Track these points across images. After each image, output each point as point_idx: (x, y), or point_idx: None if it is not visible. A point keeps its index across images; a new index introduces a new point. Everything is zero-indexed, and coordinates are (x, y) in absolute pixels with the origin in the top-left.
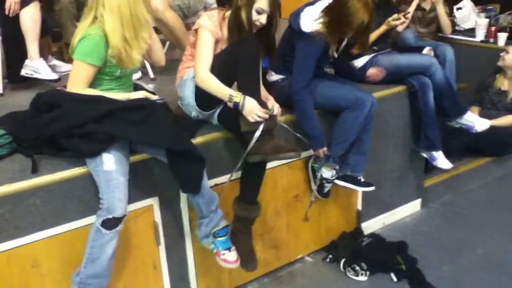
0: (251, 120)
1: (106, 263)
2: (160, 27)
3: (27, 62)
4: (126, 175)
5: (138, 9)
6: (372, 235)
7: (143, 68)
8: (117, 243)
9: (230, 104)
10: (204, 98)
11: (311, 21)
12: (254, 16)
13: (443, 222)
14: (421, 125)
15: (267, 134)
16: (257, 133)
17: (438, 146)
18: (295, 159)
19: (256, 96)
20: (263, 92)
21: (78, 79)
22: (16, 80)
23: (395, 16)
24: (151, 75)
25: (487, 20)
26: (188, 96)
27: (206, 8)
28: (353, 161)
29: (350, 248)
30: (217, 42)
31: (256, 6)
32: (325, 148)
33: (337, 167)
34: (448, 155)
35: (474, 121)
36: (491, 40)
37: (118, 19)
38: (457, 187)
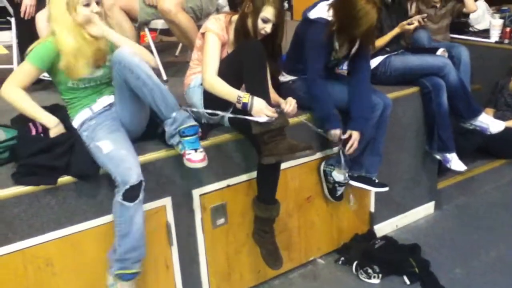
0: (262, 120)
1: (138, 234)
2: (173, 29)
3: None
4: (128, 147)
5: (68, 20)
6: (385, 237)
7: (155, 70)
8: (143, 214)
9: (238, 105)
10: (212, 104)
11: (320, 10)
12: (260, 24)
13: (456, 225)
14: (434, 126)
15: (279, 134)
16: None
17: (452, 148)
18: (308, 159)
19: (264, 96)
20: (274, 95)
21: (15, 76)
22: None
23: (409, 20)
24: (164, 76)
25: (501, 21)
26: (197, 103)
27: (218, 10)
28: (367, 162)
29: (362, 250)
30: (223, 45)
31: (262, 15)
32: (337, 131)
33: (347, 171)
34: (460, 156)
35: (489, 122)
36: (506, 41)
37: (63, 28)
38: (471, 190)
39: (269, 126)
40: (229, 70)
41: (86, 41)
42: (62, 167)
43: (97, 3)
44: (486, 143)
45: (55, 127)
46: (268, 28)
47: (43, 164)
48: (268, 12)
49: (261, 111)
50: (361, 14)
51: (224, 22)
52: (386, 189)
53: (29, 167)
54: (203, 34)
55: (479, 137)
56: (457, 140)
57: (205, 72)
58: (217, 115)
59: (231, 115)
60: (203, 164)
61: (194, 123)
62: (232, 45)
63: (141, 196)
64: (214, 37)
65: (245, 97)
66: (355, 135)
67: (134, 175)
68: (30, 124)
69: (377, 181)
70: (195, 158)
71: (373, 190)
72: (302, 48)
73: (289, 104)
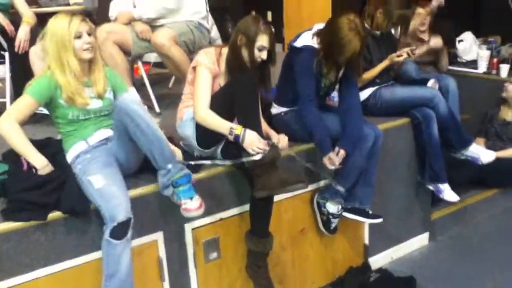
0: (252, 152)
1: (125, 275)
2: (166, 62)
3: None
4: (119, 183)
5: (62, 55)
6: (380, 270)
7: (148, 102)
8: (131, 254)
9: (230, 137)
10: (205, 137)
11: (305, 38)
12: (256, 53)
13: (451, 256)
14: (425, 157)
15: (272, 167)
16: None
17: (444, 178)
18: (301, 191)
19: (257, 129)
20: (265, 126)
21: (13, 109)
22: None
23: (399, 53)
24: (157, 109)
25: (488, 52)
26: (189, 136)
27: (211, 43)
28: (360, 193)
29: (357, 284)
30: (215, 77)
31: (258, 44)
32: (331, 154)
33: (342, 202)
34: (452, 188)
35: (480, 152)
36: (493, 71)
37: (54, 63)
38: (465, 220)
39: (262, 159)
40: (222, 104)
41: (77, 71)
42: (53, 204)
43: (89, 34)
44: (478, 175)
45: (43, 169)
46: (264, 54)
47: (33, 201)
48: (263, 40)
49: (253, 143)
50: (344, 42)
51: (214, 55)
52: (380, 220)
53: (19, 203)
54: (194, 68)
55: (471, 170)
56: (449, 172)
57: (196, 106)
58: (209, 147)
59: (226, 163)
60: (201, 211)
61: (186, 171)
62: (224, 76)
63: (129, 234)
64: (205, 70)
65: (238, 129)
66: (342, 152)
67: (122, 212)
68: (22, 159)
69: (370, 212)
70: (192, 206)
71: (367, 221)
72: (291, 78)
73: (281, 141)
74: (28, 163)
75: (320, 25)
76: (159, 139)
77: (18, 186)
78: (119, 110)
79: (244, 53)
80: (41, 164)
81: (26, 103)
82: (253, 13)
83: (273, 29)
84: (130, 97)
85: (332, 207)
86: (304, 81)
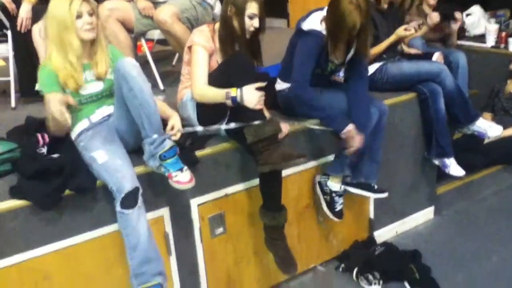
0: (258, 106)
1: (147, 245)
2: (169, 39)
3: None
4: (122, 157)
5: (64, 36)
6: (385, 244)
7: (152, 80)
8: (147, 222)
9: (229, 102)
10: (205, 115)
11: (313, 22)
12: (247, 22)
13: (456, 230)
14: (432, 132)
15: (273, 143)
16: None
17: (450, 153)
18: (305, 167)
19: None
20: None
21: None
22: (28, 94)
23: (406, 26)
24: (161, 86)
25: (497, 26)
26: (191, 117)
27: (214, 20)
28: (366, 169)
29: (362, 257)
30: (211, 55)
31: (248, 12)
32: (350, 127)
33: (343, 177)
34: (469, 172)
35: (487, 127)
36: (502, 45)
37: (54, 45)
38: (470, 195)
39: (263, 134)
40: (219, 83)
41: (79, 52)
42: (58, 193)
43: (91, 14)
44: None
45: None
46: (256, 23)
47: (41, 190)
48: (253, 8)
49: (254, 97)
50: (344, 15)
51: (208, 32)
52: (386, 195)
53: (27, 189)
54: (189, 48)
55: (489, 155)
56: (468, 157)
57: (194, 85)
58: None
59: (225, 127)
60: (192, 184)
61: (172, 144)
62: (220, 52)
63: (140, 202)
64: (200, 49)
65: (233, 90)
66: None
67: (128, 182)
68: (38, 135)
69: (376, 187)
70: (184, 179)
71: (372, 196)
72: (293, 56)
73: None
74: (44, 139)
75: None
76: (149, 105)
77: (27, 169)
78: (117, 71)
79: (235, 23)
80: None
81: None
82: None
83: None
84: (128, 60)
85: (334, 185)
86: (303, 61)
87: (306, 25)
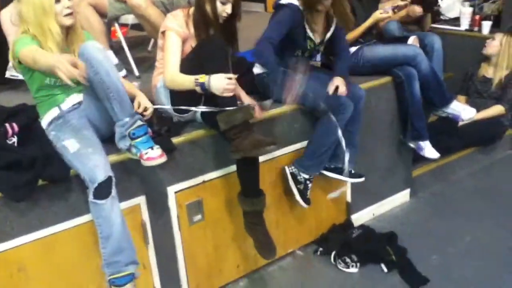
0: (226, 94)
1: (120, 234)
2: (143, 24)
3: (11, 64)
4: (94, 145)
5: (42, 21)
6: (362, 226)
7: (127, 66)
8: (120, 211)
9: (198, 89)
10: (179, 102)
11: None
12: (220, 7)
13: (432, 212)
14: (407, 115)
15: (245, 130)
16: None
17: (425, 136)
18: (283, 152)
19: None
20: (238, 89)
21: (43, 54)
22: (0, 82)
23: (382, 10)
24: (136, 73)
25: (471, 9)
26: (165, 103)
27: (190, 3)
28: (343, 155)
29: (340, 240)
30: (185, 40)
31: None
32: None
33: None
34: (446, 154)
35: (461, 110)
36: (476, 28)
37: (32, 28)
38: (445, 177)
39: (234, 121)
40: (191, 68)
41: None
42: (29, 184)
43: None
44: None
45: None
46: (228, 8)
47: (10, 182)
48: None
49: (221, 84)
50: None
51: (182, 17)
52: (362, 179)
53: None
54: (163, 33)
55: (464, 137)
56: (443, 140)
57: (165, 71)
58: (186, 112)
59: (195, 109)
60: (163, 159)
61: (142, 123)
62: (195, 38)
63: (113, 192)
64: (174, 35)
65: (202, 77)
66: (339, 80)
67: (101, 172)
68: (7, 125)
69: (353, 171)
70: (154, 155)
71: (349, 181)
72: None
73: (256, 110)
74: (13, 130)
75: None
76: (117, 88)
77: None
78: (81, 55)
79: (208, 8)
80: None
81: (37, 49)
82: None
83: None
84: (92, 43)
85: (307, 173)
86: (272, 27)
87: (283, 0)
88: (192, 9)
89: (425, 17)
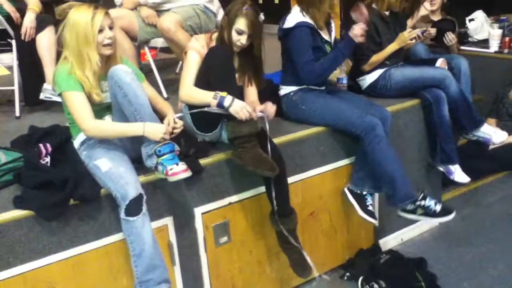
0: (243, 117)
1: (152, 251)
2: (172, 47)
3: (45, 85)
4: (125, 164)
5: (83, 49)
6: (390, 251)
7: (156, 87)
8: (152, 229)
9: (215, 102)
10: (202, 121)
11: (293, 18)
12: (235, 36)
13: (462, 237)
14: (436, 138)
15: (249, 141)
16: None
17: (455, 159)
18: (311, 175)
19: (234, 94)
20: (254, 98)
21: (78, 113)
22: (33, 103)
23: (409, 34)
24: (165, 94)
25: (500, 31)
26: (188, 123)
27: (217, 27)
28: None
29: (368, 265)
30: None
31: (236, 26)
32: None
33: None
34: (476, 178)
35: (491, 133)
36: (505, 50)
37: (72, 56)
38: (475, 201)
39: (239, 132)
40: (202, 81)
41: (97, 68)
42: (62, 203)
43: (110, 28)
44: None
45: (144, 131)
46: (243, 39)
47: (44, 201)
48: (241, 23)
49: (240, 107)
50: None
51: (204, 39)
52: (375, 221)
53: (31, 199)
54: (185, 53)
55: (494, 161)
56: (473, 163)
57: (180, 87)
58: (209, 131)
59: (208, 109)
60: (187, 174)
61: (168, 141)
62: None
63: (144, 209)
64: (193, 53)
65: (223, 92)
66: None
67: (132, 189)
68: (41, 145)
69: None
70: (178, 169)
71: (361, 214)
72: (291, 59)
73: (268, 107)
74: (46, 150)
75: (297, 6)
76: (145, 110)
77: (31, 180)
78: (110, 78)
79: (225, 34)
80: (141, 129)
81: (78, 100)
82: None
83: (262, 16)
84: (121, 67)
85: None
86: (299, 51)
87: (288, 24)
88: (215, 35)
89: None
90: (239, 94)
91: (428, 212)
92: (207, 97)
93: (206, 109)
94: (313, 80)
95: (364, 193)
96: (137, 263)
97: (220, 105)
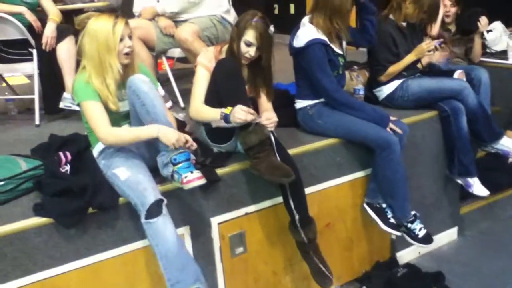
0: (239, 121)
1: (178, 251)
2: (189, 57)
3: (65, 94)
4: (143, 172)
5: (104, 58)
6: (407, 265)
7: (173, 97)
8: (175, 230)
9: (222, 121)
10: (215, 133)
11: (305, 35)
12: (243, 48)
13: (481, 251)
14: (454, 150)
15: (262, 151)
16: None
17: (473, 172)
18: (327, 186)
19: (244, 104)
20: (268, 106)
21: (95, 122)
22: (53, 112)
23: (428, 42)
24: (182, 104)
25: None
26: (203, 136)
27: None
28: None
29: (384, 279)
30: None
31: (244, 38)
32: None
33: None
34: (495, 192)
35: (511, 145)
36: None
37: (91, 65)
38: (494, 215)
39: (250, 142)
40: (212, 95)
41: (118, 76)
42: (81, 211)
43: (130, 37)
44: None
45: (158, 133)
46: (252, 51)
47: (64, 209)
48: (249, 35)
49: (237, 113)
50: (339, 2)
51: (213, 52)
52: (398, 234)
53: (51, 208)
54: (195, 67)
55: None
56: (492, 176)
57: (190, 104)
58: (223, 142)
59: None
60: (202, 181)
61: (183, 150)
62: None
63: (164, 211)
64: (201, 69)
65: (228, 109)
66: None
67: (151, 195)
68: (60, 154)
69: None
70: (193, 177)
71: (383, 227)
72: (306, 75)
73: (267, 119)
74: (66, 158)
75: (307, 18)
76: (162, 119)
77: (51, 188)
78: (128, 88)
79: (235, 46)
80: (156, 131)
81: (96, 109)
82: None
83: (272, 29)
84: (139, 76)
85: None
86: (321, 73)
87: (300, 42)
88: (225, 47)
89: (474, 48)
90: (250, 105)
91: (410, 234)
92: (214, 116)
93: (214, 125)
94: (334, 105)
95: (384, 206)
96: (166, 265)
97: (226, 121)
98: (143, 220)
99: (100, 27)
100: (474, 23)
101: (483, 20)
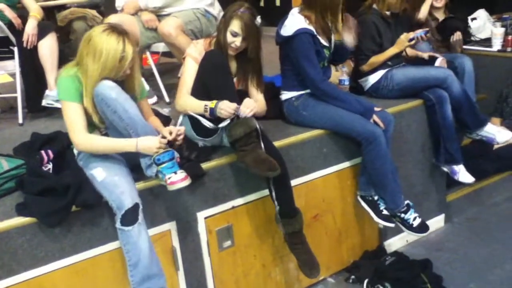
0: (224, 115)
1: (148, 262)
2: (173, 52)
3: (47, 92)
4: (121, 173)
5: (102, 74)
6: (395, 253)
7: (158, 92)
8: (149, 237)
9: (207, 114)
10: (201, 127)
11: (292, 24)
12: (229, 38)
13: (468, 238)
14: (440, 139)
15: (248, 143)
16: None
17: (459, 159)
18: (314, 177)
19: (231, 99)
20: (257, 98)
21: (71, 124)
22: (35, 110)
23: (409, 33)
24: (167, 99)
25: (503, 29)
26: (188, 130)
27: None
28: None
29: (373, 267)
30: None
31: (230, 28)
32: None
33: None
34: (481, 178)
35: (495, 132)
36: (508, 49)
37: (86, 79)
38: (481, 201)
39: (236, 135)
40: (199, 87)
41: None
42: (64, 210)
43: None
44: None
45: (140, 144)
46: (237, 41)
47: (46, 208)
48: (235, 25)
49: (222, 108)
50: None
51: (202, 45)
52: (392, 225)
53: (34, 206)
54: (184, 59)
55: (499, 160)
56: (478, 163)
57: (177, 96)
58: (209, 136)
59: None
60: (186, 182)
61: (167, 149)
62: None
63: (140, 218)
64: (190, 60)
65: (212, 103)
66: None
67: (127, 199)
68: (42, 152)
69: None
70: (176, 178)
71: (378, 221)
72: (292, 64)
73: (246, 107)
74: (48, 157)
75: (296, 9)
76: (136, 124)
77: (34, 187)
78: (96, 96)
79: (221, 36)
80: (134, 145)
81: (74, 111)
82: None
83: (258, 20)
84: (104, 83)
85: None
86: (308, 62)
87: (287, 31)
88: (214, 40)
89: (454, 46)
90: (238, 97)
91: (405, 224)
92: (199, 108)
93: (201, 119)
94: (319, 95)
95: (376, 198)
96: (133, 272)
97: (211, 115)
98: (118, 225)
99: (108, 52)
100: (448, 34)
101: (456, 35)
